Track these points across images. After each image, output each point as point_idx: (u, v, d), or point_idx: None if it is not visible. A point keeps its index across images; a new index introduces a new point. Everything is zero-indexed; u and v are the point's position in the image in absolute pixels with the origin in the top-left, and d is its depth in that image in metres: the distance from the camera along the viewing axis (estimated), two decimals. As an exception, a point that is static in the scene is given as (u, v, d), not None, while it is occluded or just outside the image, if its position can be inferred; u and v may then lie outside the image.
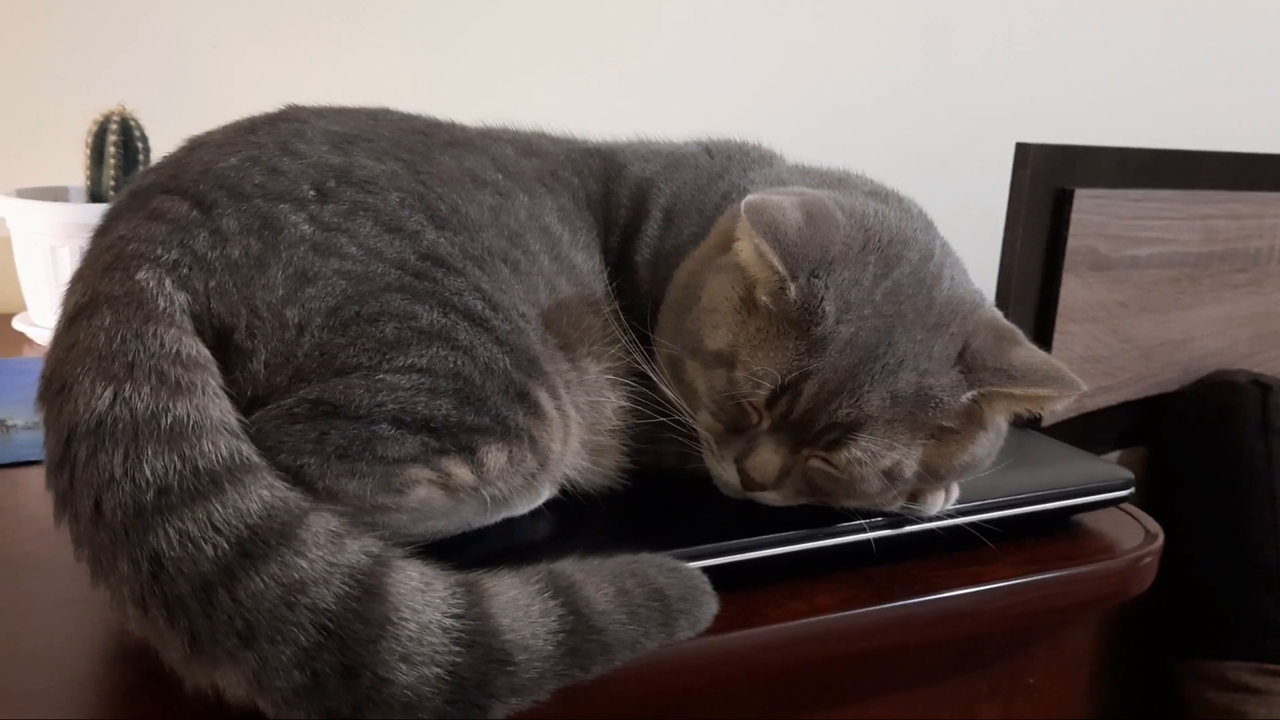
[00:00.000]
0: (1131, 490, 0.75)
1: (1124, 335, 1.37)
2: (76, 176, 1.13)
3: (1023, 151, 1.24)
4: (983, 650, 0.75)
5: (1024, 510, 0.71)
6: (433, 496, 0.56)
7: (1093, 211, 1.28)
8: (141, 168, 1.11)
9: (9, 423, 0.87)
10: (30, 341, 1.11)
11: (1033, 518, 0.72)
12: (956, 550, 0.69)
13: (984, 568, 0.68)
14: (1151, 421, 1.44)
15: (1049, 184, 1.26)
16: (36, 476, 0.53)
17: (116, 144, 1.10)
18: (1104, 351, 1.35)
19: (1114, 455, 1.43)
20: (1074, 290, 1.30)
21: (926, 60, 1.67)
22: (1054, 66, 1.76)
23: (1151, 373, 1.42)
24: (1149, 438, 1.47)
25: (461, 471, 0.56)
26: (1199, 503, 1.42)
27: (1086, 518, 0.76)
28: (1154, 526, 0.76)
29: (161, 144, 1.11)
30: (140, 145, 1.11)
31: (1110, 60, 1.81)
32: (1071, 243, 1.28)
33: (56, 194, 1.14)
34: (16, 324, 1.13)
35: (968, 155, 1.59)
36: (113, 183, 1.10)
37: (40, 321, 1.11)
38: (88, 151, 1.11)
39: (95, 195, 1.12)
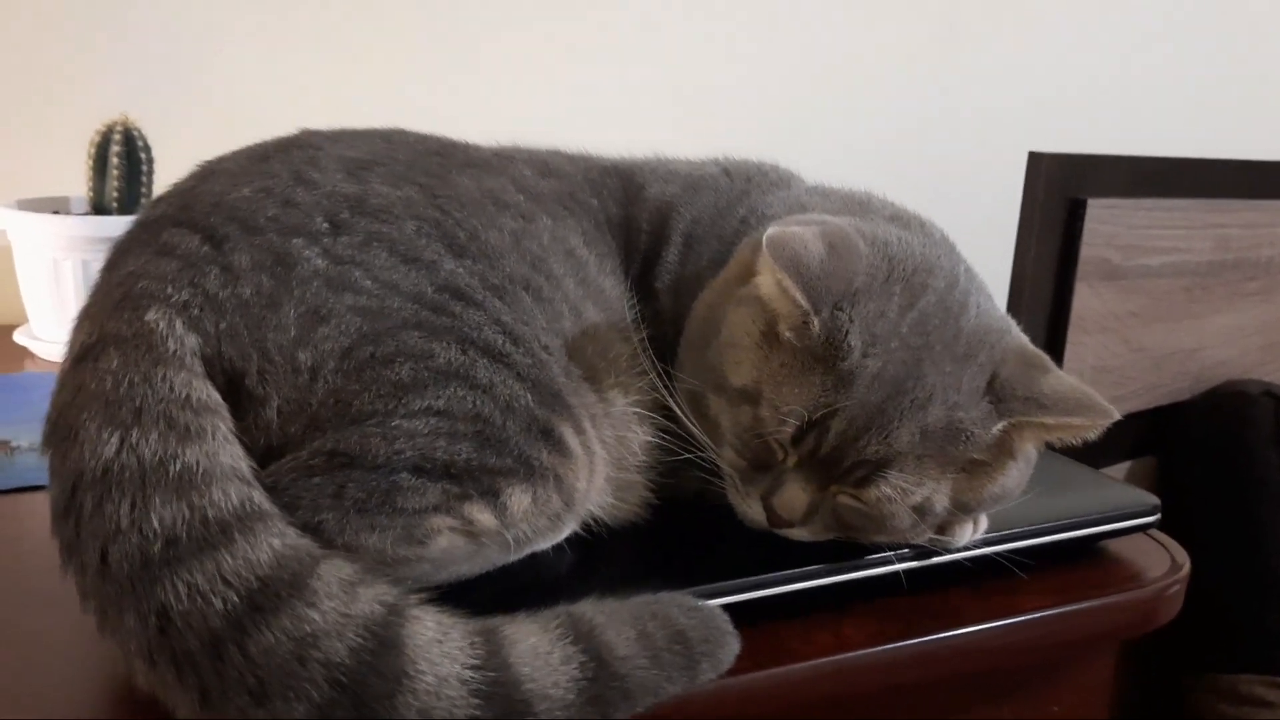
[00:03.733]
0: (1158, 516, 0.74)
1: (1135, 345, 1.36)
2: (78, 186, 1.11)
3: (1035, 161, 1.23)
4: (1007, 679, 0.74)
5: (1051, 539, 0.70)
6: (455, 544, 0.55)
7: (1105, 221, 1.27)
8: (145, 179, 1.09)
9: (12, 444, 0.85)
10: (32, 355, 1.09)
11: (1059, 546, 0.71)
12: (981, 580, 0.67)
13: (1011, 598, 0.67)
14: (1162, 432, 1.43)
15: (1062, 193, 1.25)
16: (43, 502, 0.52)
17: (120, 154, 1.08)
18: (1115, 362, 1.34)
19: (1124, 466, 1.42)
20: (1086, 300, 1.29)
21: (937, 69, 1.66)
22: (1066, 75, 1.75)
23: (1162, 382, 1.42)
24: (1159, 448, 1.46)
25: (484, 517, 0.54)
26: (1210, 514, 1.41)
27: (1112, 544, 0.75)
28: (1181, 555, 0.75)
29: (165, 154, 1.10)
30: (144, 156, 1.09)
31: (1123, 69, 1.80)
32: (1084, 252, 1.27)
33: (58, 204, 1.13)
34: (18, 337, 1.11)
35: (979, 164, 1.58)
36: (116, 194, 1.09)
37: (42, 335, 1.10)
38: (90, 162, 1.09)
39: (98, 206, 1.10)
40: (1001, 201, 1.29)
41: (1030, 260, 1.24)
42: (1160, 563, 0.74)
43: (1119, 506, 0.74)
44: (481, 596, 0.56)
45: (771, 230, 0.60)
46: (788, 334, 0.60)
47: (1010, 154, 1.27)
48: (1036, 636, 0.67)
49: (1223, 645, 1.37)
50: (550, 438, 0.56)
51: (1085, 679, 0.78)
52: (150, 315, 0.52)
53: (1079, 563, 0.72)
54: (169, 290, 0.53)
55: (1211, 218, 1.39)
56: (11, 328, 1.14)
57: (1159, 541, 0.76)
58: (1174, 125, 1.79)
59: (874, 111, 1.61)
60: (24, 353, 1.10)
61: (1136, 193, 1.31)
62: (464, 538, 0.55)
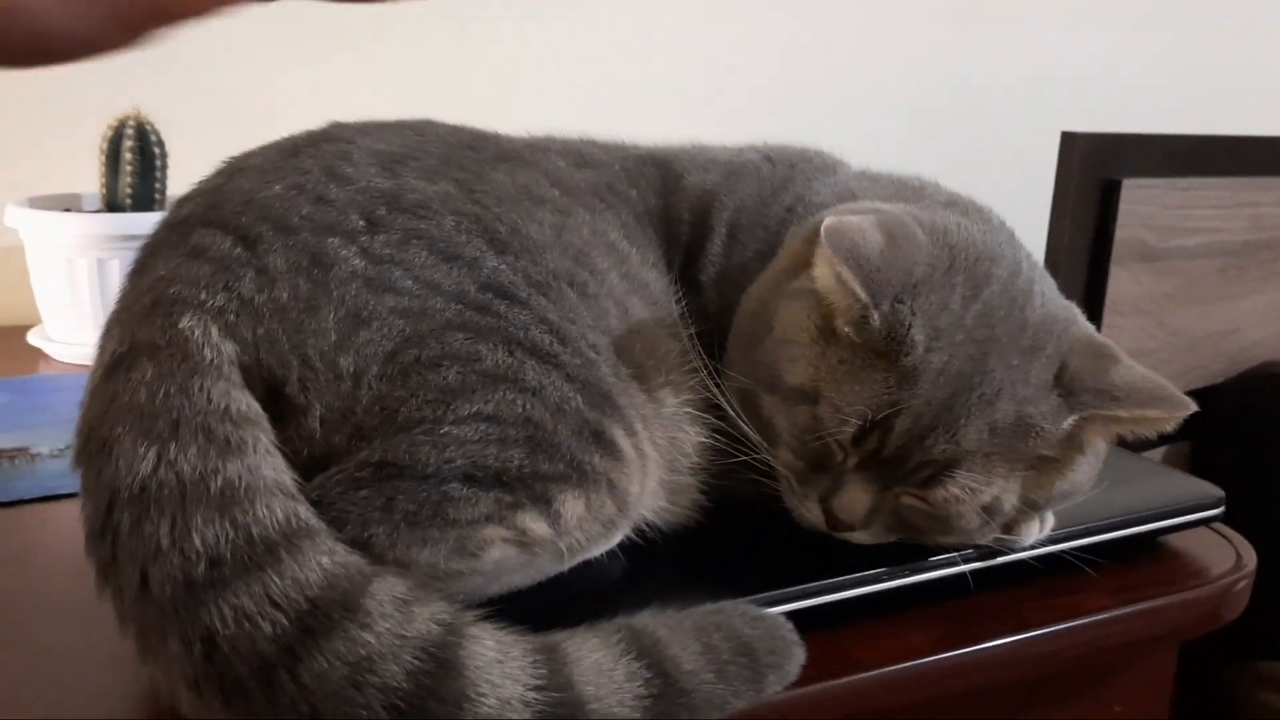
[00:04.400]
0: (1222, 509, 0.72)
1: (1171, 328, 1.34)
2: (90, 183, 1.08)
3: (1069, 141, 1.21)
4: (1069, 679, 0.71)
5: (1114, 535, 0.67)
6: (508, 555, 0.52)
7: (1141, 202, 1.25)
8: (159, 174, 1.07)
9: (33, 450, 0.82)
10: (46, 357, 1.07)
11: (1123, 542, 0.68)
12: (1042, 578, 0.65)
13: (1074, 598, 0.65)
14: (1197, 415, 1.40)
15: (1096, 174, 1.22)
16: (69, 511, 0.49)
17: (133, 150, 1.05)
18: (1151, 345, 1.31)
19: (1159, 451, 1.40)
20: (1121, 283, 1.26)
21: (968, 48, 1.62)
22: (1099, 53, 1.71)
23: (1197, 365, 1.39)
24: (1194, 431, 1.43)
25: (538, 526, 0.52)
26: (1246, 498, 1.38)
27: (1174, 539, 0.72)
28: (1246, 550, 0.72)
29: (178, 149, 1.07)
30: (157, 151, 1.07)
31: (1156, 46, 1.76)
32: (1119, 234, 1.24)
33: (70, 202, 1.10)
34: (32, 338, 1.08)
35: (1011, 145, 1.54)
36: (129, 190, 1.06)
37: (57, 335, 1.07)
38: (103, 158, 1.06)
39: (111, 203, 1.07)
40: (1034, 183, 1.26)
41: (1064, 243, 1.21)
42: (1224, 558, 0.72)
43: (1182, 499, 0.71)
44: (533, 608, 0.54)
45: (829, 220, 0.57)
46: (846, 329, 0.58)
47: (1043, 134, 1.24)
48: (1101, 637, 0.65)
49: (1264, 632, 1.34)
50: (602, 440, 0.54)
51: (1147, 677, 0.76)
52: (184, 322, 0.50)
53: (1140, 559, 0.70)
54: (203, 295, 0.51)
55: (1246, 196, 1.36)
56: (25, 329, 1.11)
57: (1223, 535, 0.74)
58: (1209, 103, 1.75)
59: (903, 93, 1.57)
60: (38, 354, 1.07)
61: (1171, 172, 1.28)
62: (517, 548, 0.53)
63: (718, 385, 0.62)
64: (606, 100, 1.38)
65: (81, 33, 0.43)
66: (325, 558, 0.45)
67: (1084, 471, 0.61)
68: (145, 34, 0.45)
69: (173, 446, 0.46)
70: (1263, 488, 1.39)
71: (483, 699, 0.43)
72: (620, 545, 0.59)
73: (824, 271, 0.58)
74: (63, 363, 1.05)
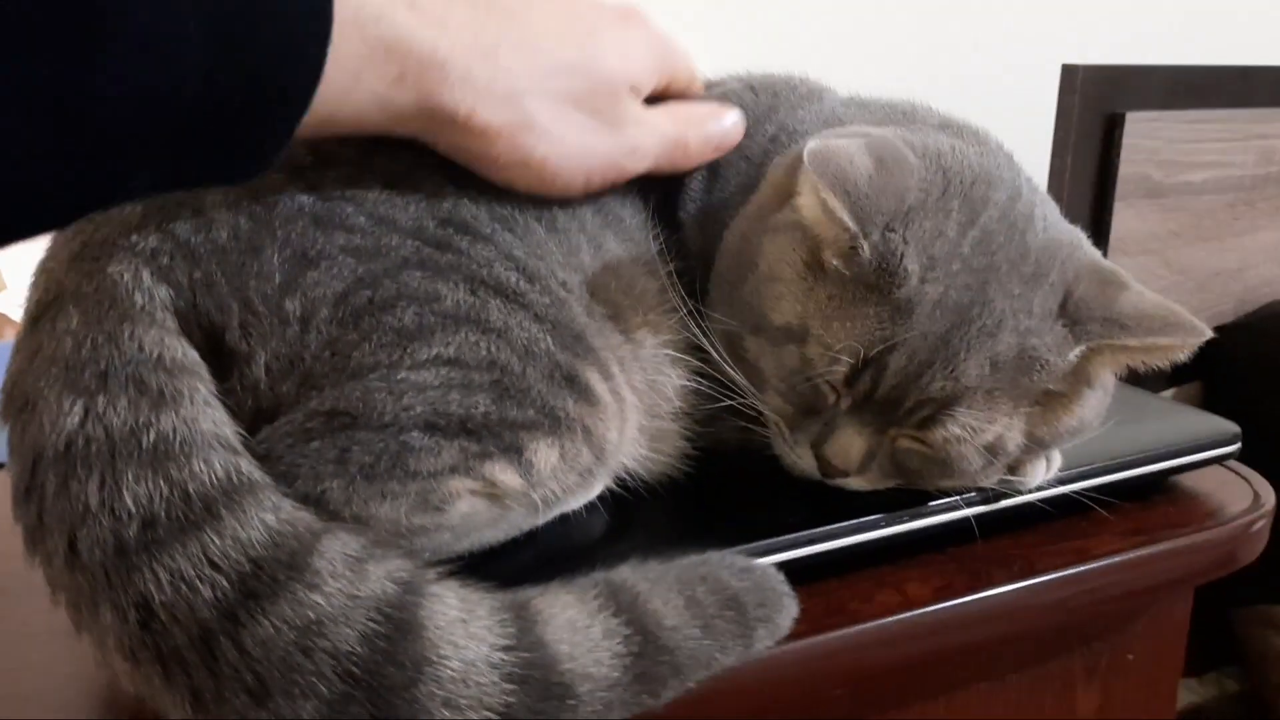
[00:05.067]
0: (1239, 446, 0.68)
1: (1178, 267, 1.30)
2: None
3: (1070, 74, 1.17)
4: (1082, 628, 0.68)
5: (1126, 474, 0.64)
6: (477, 508, 0.49)
7: (1145, 135, 1.21)
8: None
9: None
10: (14, 324, 1.03)
11: (1135, 482, 0.65)
12: (1050, 521, 0.62)
13: (1087, 541, 0.61)
14: (1208, 355, 1.37)
15: (1098, 108, 1.18)
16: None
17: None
18: (1158, 284, 1.27)
19: (1169, 392, 1.36)
20: (1126, 220, 1.22)
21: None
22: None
23: (1206, 305, 1.36)
24: (1204, 372, 1.40)
25: (508, 476, 0.48)
26: (1257, 438, 1.35)
27: (1187, 478, 0.69)
28: (1264, 488, 0.69)
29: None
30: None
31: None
32: (1123, 170, 1.20)
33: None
34: (-1, 306, 1.05)
35: (1010, 79, 1.49)
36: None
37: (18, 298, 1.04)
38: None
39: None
40: (1034, 118, 1.21)
41: (1067, 180, 1.17)
42: (1241, 497, 0.68)
43: (1196, 436, 0.68)
44: (508, 566, 0.51)
45: (813, 144, 0.53)
46: (834, 262, 0.54)
47: (1043, 67, 1.19)
48: (1113, 583, 0.62)
49: (1272, 576, 1.31)
50: (575, 385, 0.50)
51: (1161, 622, 0.72)
52: (113, 267, 0.46)
53: (1153, 499, 0.67)
54: (133, 238, 0.47)
55: (1255, 128, 1.32)
56: (-8, 297, 1.08)
57: (1238, 473, 0.70)
58: (1215, 31, 1.70)
59: (898, 26, 1.52)
60: (4, 321, 1.04)
61: (1176, 104, 1.24)
62: (486, 501, 0.49)
63: (701, 328, 0.58)
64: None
65: (563, 184, 0.54)
66: (269, 514, 0.42)
67: (1092, 406, 0.57)
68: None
69: (101, 399, 0.43)
70: (1274, 428, 1.36)
71: (445, 661, 0.40)
72: (601, 497, 0.56)
73: (809, 200, 0.54)
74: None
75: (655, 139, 0.57)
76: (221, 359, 0.46)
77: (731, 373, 0.58)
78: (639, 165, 0.57)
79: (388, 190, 0.51)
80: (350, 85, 0.45)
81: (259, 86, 0.41)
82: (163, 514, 0.41)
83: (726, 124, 0.62)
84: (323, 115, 0.44)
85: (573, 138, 0.53)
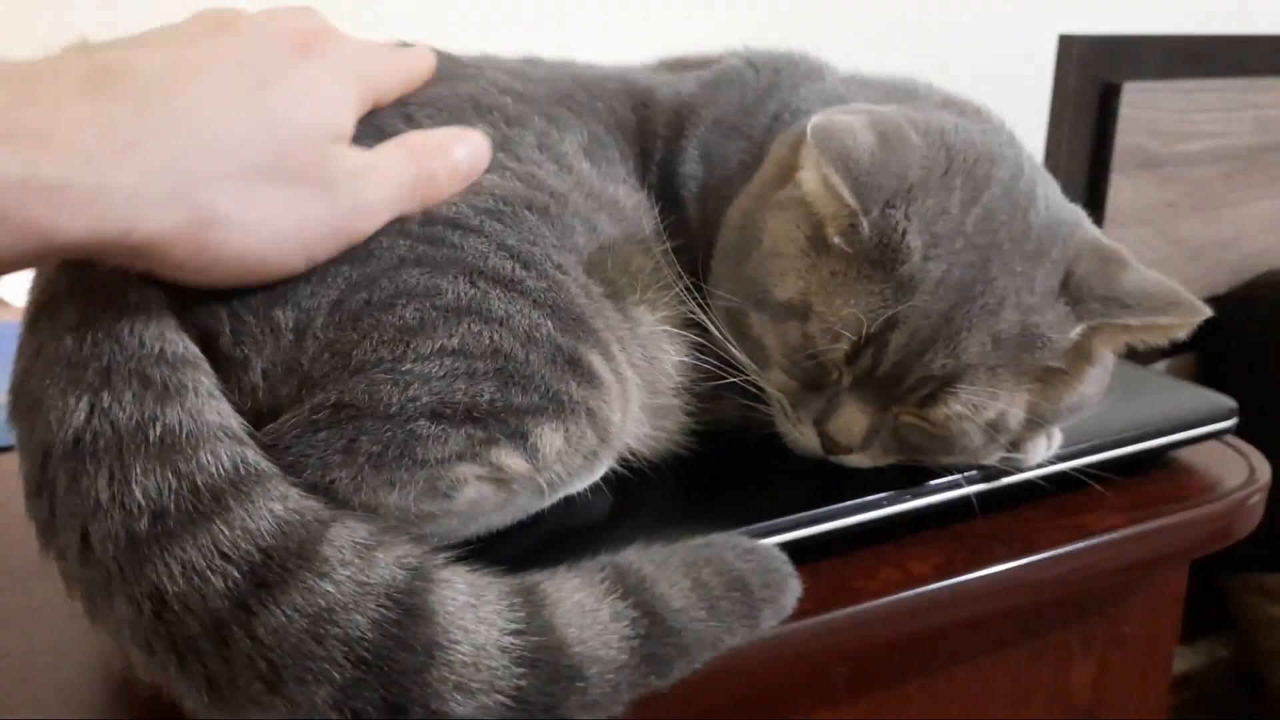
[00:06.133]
0: (1235, 421, 0.69)
1: (1173, 237, 1.30)
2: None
3: (1067, 44, 1.16)
4: (1079, 601, 0.69)
5: (1125, 451, 0.64)
6: (484, 494, 0.49)
7: (1142, 106, 1.20)
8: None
9: (-8, 400, 0.79)
10: (5, 304, 1.03)
11: (1133, 458, 0.65)
12: (1050, 498, 0.62)
13: (1086, 517, 0.62)
14: (1201, 326, 1.37)
15: (1095, 78, 1.18)
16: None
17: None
18: (1153, 255, 1.28)
19: (1163, 364, 1.37)
20: (1123, 192, 1.22)
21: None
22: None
23: (1201, 275, 1.36)
24: (1198, 343, 1.40)
25: (514, 461, 0.49)
26: (1251, 409, 1.35)
27: (1184, 453, 0.69)
28: (1260, 462, 0.69)
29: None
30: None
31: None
32: (1119, 140, 1.20)
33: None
34: (-9, 285, 1.04)
35: (1006, 50, 1.48)
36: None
37: (15, 281, 1.03)
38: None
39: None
40: (1031, 89, 1.21)
41: (1063, 151, 1.17)
42: (1237, 471, 0.69)
43: (1194, 412, 0.68)
44: (514, 549, 0.51)
45: (816, 119, 0.53)
46: (836, 238, 0.54)
47: (1039, 38, 1.19)
48: (1112, 558, 0.62)
49: (1268, 544, 1.32)
50: (578, 367, 0.50)
51: (1157, 596, 0.73)
52: (105, 268, 0.45)
53: (1152, 475, 0.67)
54: None
55: (1251, 97, 1.31)
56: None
57: (1235, 448, 0.71)
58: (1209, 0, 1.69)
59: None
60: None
61: (1172, 74, 1.23)
62: (493, 486, 0.49)
63: (702, 306, 0.58)
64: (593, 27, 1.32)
65: (277, 270, 0.46)
66: (277, 504, 0.42)
67: (1093, 384, 0.57)
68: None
69: (105, 395, 0.42)
70: (1269, 399, 1.37)
71: (455, 646, 0.40)
72: (605, 479, 0.56)
73: (811, 175, 0.54)
74: (21, 309, 1.01)
75: (387, 186, 0.48)
76: (219, 363, 0.46)
77: (734, 350, 0.58)
78: (372, 222, 0.48)
79: None
80: None
81: None
82: (172, 506, 0.41)
83: (475, 145, 0.54)
84: None
85: (272, 219, 0.44)
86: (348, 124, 0.48)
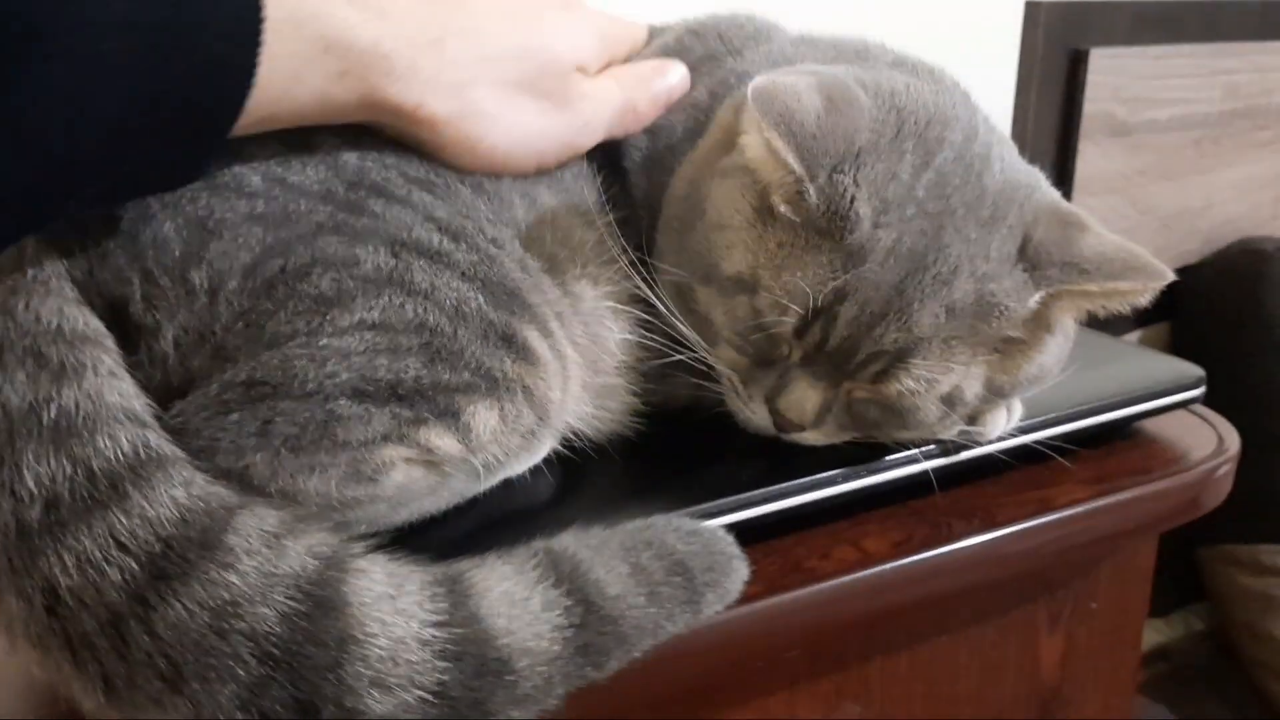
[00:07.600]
0: (1203, 390, 0.67)
1: (1143, 206, 1.28)
2: None
3: (1033, 10, 1.14)
4: (1044, 576, 0.67)
5: (1089, 422, 0.62)
6: (413, 477, 0.47)
7: (1110, 72, 1.18)
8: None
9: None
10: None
11: (1097, 429, 0.63)
12: (1012, 472, 0.60)
13: (1049, 491, 0.60)
14: (1173, 295, 1.36)
15: (1063, 44, 1.16)
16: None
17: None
18: (1123, 224, 1.26)
19: (1135, 334, 1.35)
20: (1091, 160, 1.20)
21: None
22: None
23: (1171, 244, 1.34)
24: (1171, 313, 1.39)
25: (445, 442, 0.46)
26: (1226, 379, 1.34)
27: (1151, 423, 0.68)
28: (1229, 431, 0.68)
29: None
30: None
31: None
32: (1088, 107, 1.18)
33: None
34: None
35: (972, 16, 1.46)
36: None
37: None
38: None
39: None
40: (997, 56, 1.18)
41: (1030, 119, 1.15)
42: (1206, 441, 0.67)
43: (1159, 381, 0.66)
44: (445, 536, 0.49)
45: (758, 81, 0.50)
46: (783, 207, 0.51)
47: (1005, 4, 1.16)
48: (1077, 532, 0.60)
49: (1241, 516, 1.31)
50: (512, 343, 0.48)
51: (1124, 571, 0.72)
52: None
53: (1117, 446, 0.65)
54: None
55: (1220, 63, 1.30)
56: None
57: (1203, 418, 0.69)
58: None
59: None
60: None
61: (1140, 39, 1.22)
62: (423, 468, 0.47)
63: (647, 280, 0.56)
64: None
65: (514, 168, 0.54)
66: (180, 490, 0.40)
67: (1053, 353, 0.55)
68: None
69: None
70: (1243, 369, 1.35)
71: (371, 640, 0.38)
72: (547, 460, 0.54)
73: (753, 140, 0.51)
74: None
75: (605, 111, 0.57)
76: (127, 332, 0.44)
77: (681, 326, 0.55)
78: (591, 139, 0.57)
79: (286, 154, 0.48)
80: (289, 85, 0.44)
81: (187, 99, 0.40)
82: (66, 494, 0.39)
83: (672, 80, 0.61)
84: (261, 115, 0.43)
85: (522, 123, 0.53)
86: (590, 63, 0.57)
